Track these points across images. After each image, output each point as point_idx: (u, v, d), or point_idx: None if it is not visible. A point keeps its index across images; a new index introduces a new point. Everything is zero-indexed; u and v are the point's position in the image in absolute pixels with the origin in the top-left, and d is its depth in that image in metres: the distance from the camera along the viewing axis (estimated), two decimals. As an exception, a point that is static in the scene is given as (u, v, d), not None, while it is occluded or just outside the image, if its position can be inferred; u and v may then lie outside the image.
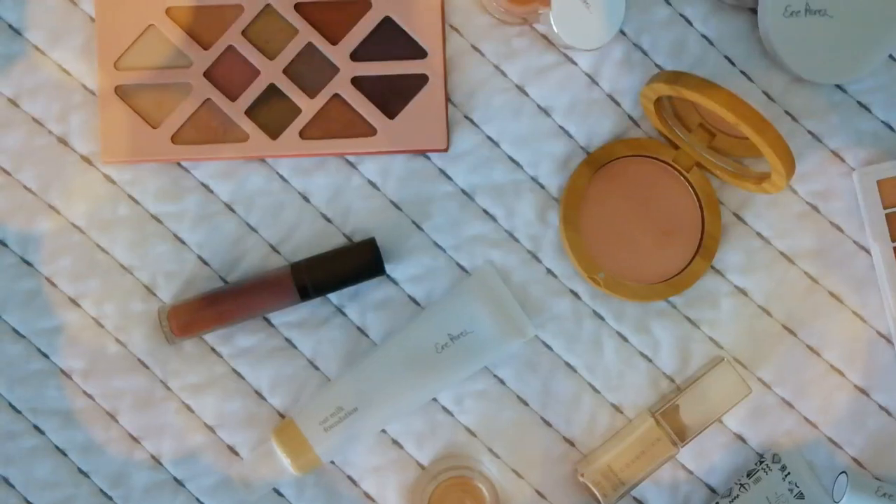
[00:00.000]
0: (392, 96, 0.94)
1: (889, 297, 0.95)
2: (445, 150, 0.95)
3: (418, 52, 0.94)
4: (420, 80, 0.94)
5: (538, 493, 0.95)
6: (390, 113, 0.94)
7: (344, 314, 0.95)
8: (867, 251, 0.96)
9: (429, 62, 0.94)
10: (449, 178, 0.96)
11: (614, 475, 0.92)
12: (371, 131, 0.94)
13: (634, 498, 0.96)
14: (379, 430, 0.93)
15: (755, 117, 0.85)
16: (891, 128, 0.96)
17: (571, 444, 0.95)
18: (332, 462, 0.95)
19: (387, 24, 0.94)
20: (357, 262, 0.93)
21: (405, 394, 0.93)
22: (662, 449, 0.92)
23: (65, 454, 0.94)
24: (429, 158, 0.96)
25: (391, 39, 0.94)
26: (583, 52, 0.95)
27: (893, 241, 0.95)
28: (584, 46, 0.91)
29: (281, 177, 0.95)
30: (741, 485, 0.94)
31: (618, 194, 0.95)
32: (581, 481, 0.93)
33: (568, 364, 0.95)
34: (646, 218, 0.95)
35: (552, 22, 0.90)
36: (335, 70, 0.94)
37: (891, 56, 0.97)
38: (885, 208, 0.96)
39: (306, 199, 0.95)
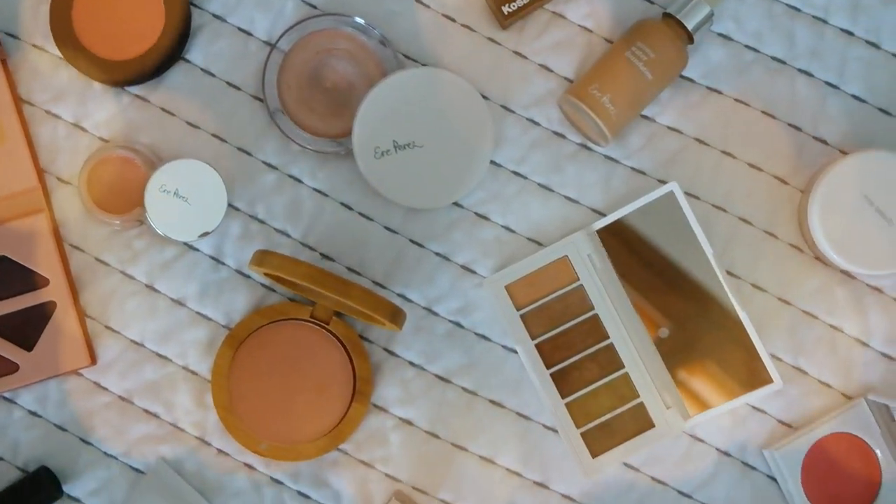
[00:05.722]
0: (27, 329, 0.97)
1: (542, 391, 0.99)
2: (93, 364, 0.98)
3: (41, 282, 0.98)
4: (49, 307, 0.97)
5: None
6: (28, 345, 0.97)
7: (35, 544, 0.98)
8: (515, 352, 1.00)
9: (53, 288, 0.97)
10: (104, 388, 0.99)
11: None
12: (14, 367, 0.97)
13: None
14: None
15: (336, 284, 0.89)
16: (511, 230, 1.01)
17: None
18: None
19: (3, 262, 0.97)
20: (34, 492, 0.96)
21: None
22: None
23: None
24: (81, 375, 0.99)
25: (11, 277, 0.97)
26: (200, 239, 0.99)
27: (533, 338, 1.00)
28: (192, 237, 0.95)
29: (-55, 429, 0.99)
30: None
31: (264, 364, 0.98)
32: None
33: (258, 534, 0.99)
34: (297, 379, 0.98)
35: (151, 223, 0.94)
36: (-35, 320, 0.97)
37: (493, 162, 1.01)
38: (518, 310, 1.00)
39: (-26, 445, 0.99)
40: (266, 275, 0.95)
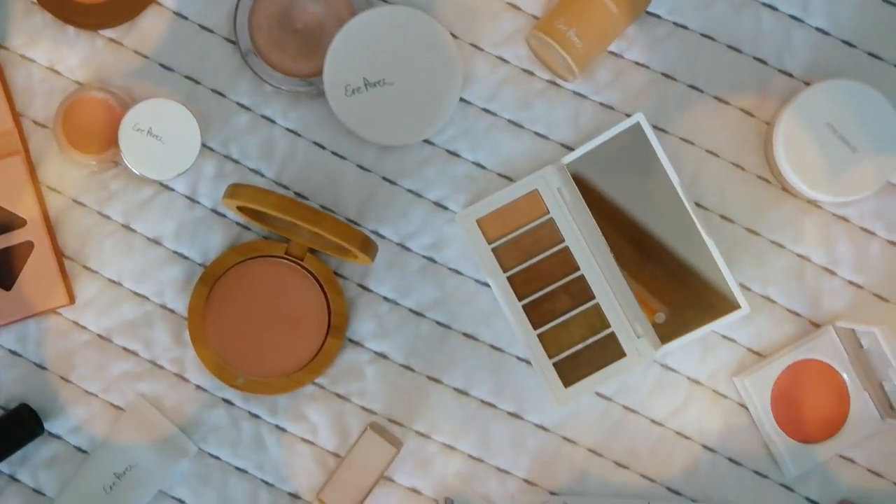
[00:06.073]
0: (5, 269, 0.99)
1: (514, 323, 1.01)
2: (72, 303, 1.00)
3: (18, 222, 0.99)
4: (27, 248, 0.99)
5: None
6: (6, 285, 0.99)
7: (17, 480, 1.00)
8: (488, 285, 1.02)
9: (30, 228, 0.99)
10: (83, 327, 1.01)
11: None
12: (-7, 308, 0.99)
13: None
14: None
15: (307, 213, 0.90)
16: (482, 166, 1.02)
17: (266, 538, 1.01)
18: None
19: (-19, 204, 0.99)
20: (15, 429, 0.98)
21: (88, 540, 0.97)
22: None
23: None
24: (60, 314, 1.01)
25: (-12, 222, 0.99)
26: (176, 177, 1.00)
27: (505, 271, 1.01)
28: (167, 176, 0.96)
29: (-74, 369, 1.00)
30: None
31: (239, 300, 1.00)
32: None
33: (238, 468, 1.00)
34: (271, 314, 1.00)
35: (126, 163, 0.96)
36: (-55, 261, 0.99)
37: (463, 99, 1.02)
38: (489, 243, 1.01)
39: (-44, 384, 1.00)
40: (239, 210, 0.97)
